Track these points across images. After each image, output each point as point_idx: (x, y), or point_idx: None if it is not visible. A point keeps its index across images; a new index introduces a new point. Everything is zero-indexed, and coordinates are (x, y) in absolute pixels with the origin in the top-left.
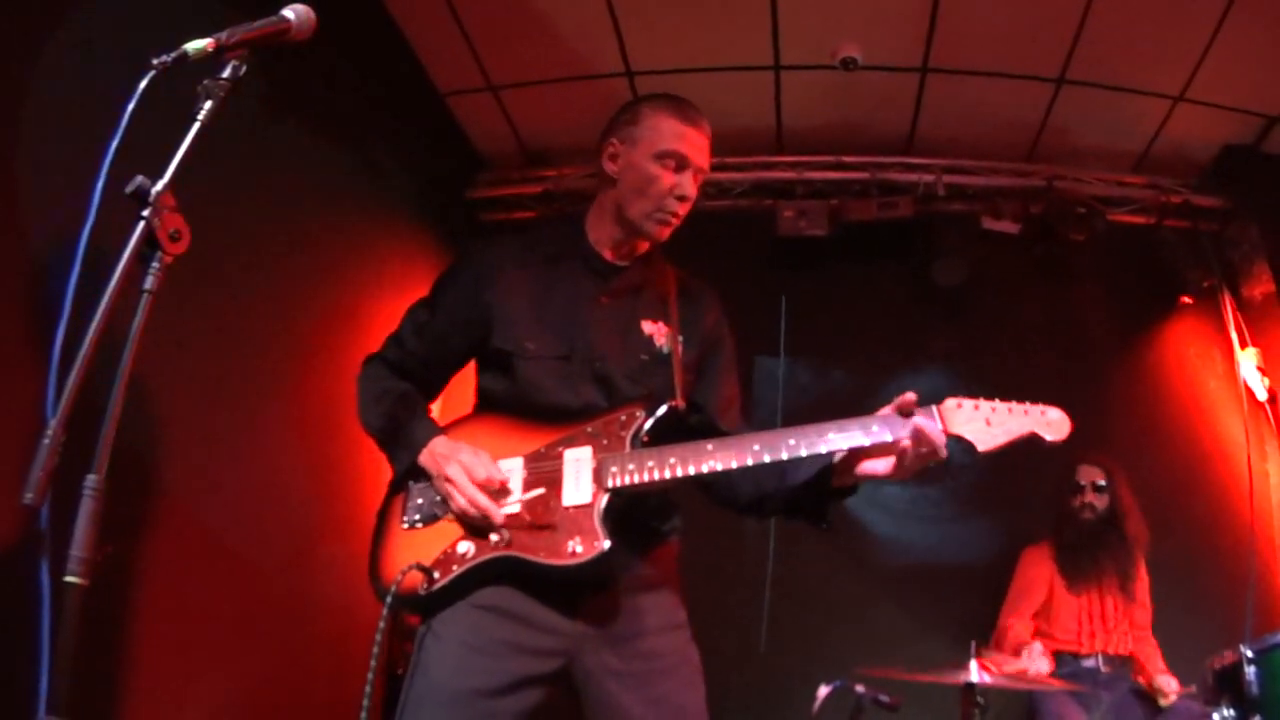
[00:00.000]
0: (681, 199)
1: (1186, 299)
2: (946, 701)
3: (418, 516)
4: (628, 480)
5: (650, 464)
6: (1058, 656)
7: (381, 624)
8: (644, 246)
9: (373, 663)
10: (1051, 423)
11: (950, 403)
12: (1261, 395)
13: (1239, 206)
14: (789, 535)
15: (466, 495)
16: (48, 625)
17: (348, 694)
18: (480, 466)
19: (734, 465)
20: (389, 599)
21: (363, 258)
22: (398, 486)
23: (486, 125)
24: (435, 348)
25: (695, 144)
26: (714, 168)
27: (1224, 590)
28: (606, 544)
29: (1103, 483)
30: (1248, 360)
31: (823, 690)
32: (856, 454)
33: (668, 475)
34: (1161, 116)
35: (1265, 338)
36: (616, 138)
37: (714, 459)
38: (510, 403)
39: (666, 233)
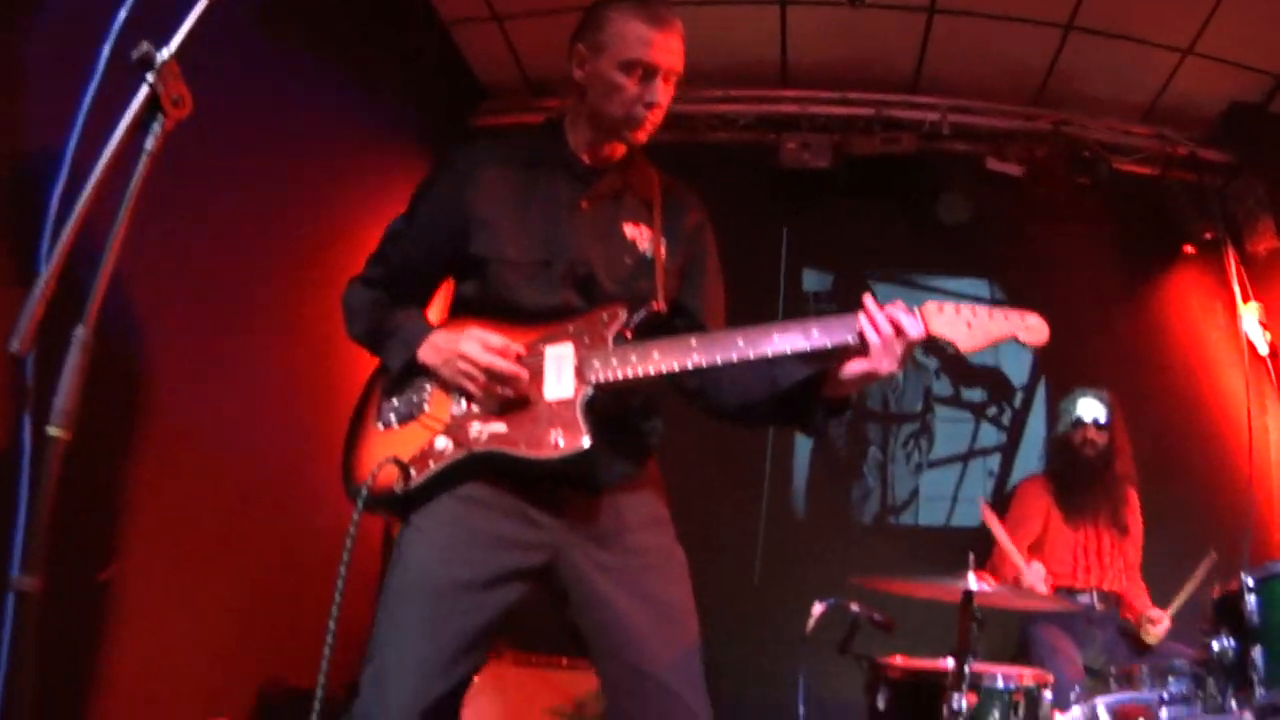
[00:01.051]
0: (651, 105)
1: (1189, 249)
2: (941, 625)
3: (393, 417)
4: (610, 375)
5: (633, 359)
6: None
7: (355, 519)
8: (622, 150)
9: (343, 567)
10: (1030, 327)
11: (931, 305)
12: (1263, 349)
13: (1245, 163)
14: (784, 465)
15: (484, 362)
16: (26, 479)
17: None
18: (493, 336)
19: (718, 360)
20: (362, 493)
21: (362, 181)
22: (371, 390)
23: (490, 54)
24: (414, 256)
25: (664, 48)
26: (717, 100)
27: (1220, 540)
28: (588, 438)
29: (1104, 420)
30: (1249, 314)
31: (817, 608)
32: (838, 364)
33: (651, 371)
34: (1170, 69)
35: (1268, 293)
36: (583, 44)
37: (697, 354)
38: (489, 308)
39: (642, 136)
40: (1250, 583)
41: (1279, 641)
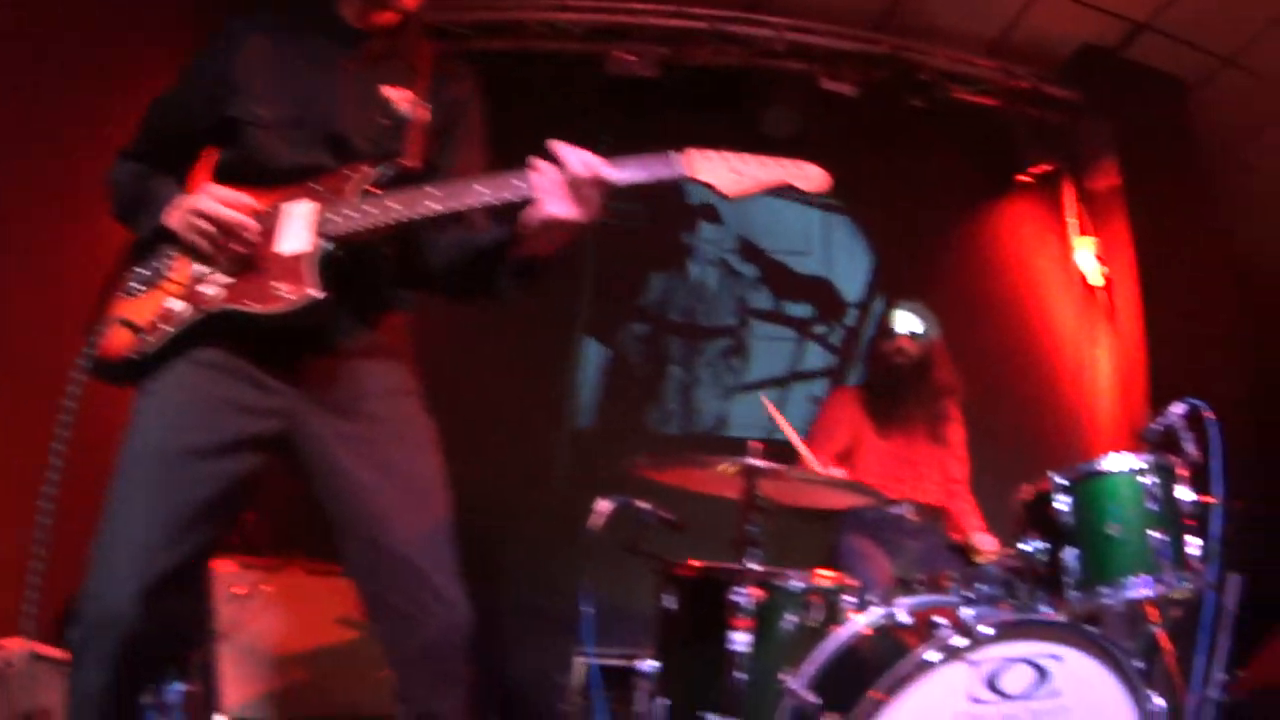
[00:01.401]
0: None
1: (1024, 178)
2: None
3: (136, 284)
4: (347, 228)
5: (371, 210)
6: None
7: (74, 389)
8: (394, 18)
9: (58, 444)
10: (810, 176)
11: (697, 152)
12: (1098, 282)
13: (1091, 103)
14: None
15: (211, 211)
16: None
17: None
18: (228, 191)
19: (456, 207)
20: (88, 353)
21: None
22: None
23: None
24: (175, 123)
25: None
26: (550, 8)
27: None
28: (315, 290)
29: (919, 331)
30: (1085, 247)
31: (603, 505)
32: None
33: (388, 220)
34: (1021, 5)
35: (1105, 230)
36: None
37: (433, 200)
38: (244, 172)
39: (410, 3)
40: (1063, 483)
41: (1092, 543)
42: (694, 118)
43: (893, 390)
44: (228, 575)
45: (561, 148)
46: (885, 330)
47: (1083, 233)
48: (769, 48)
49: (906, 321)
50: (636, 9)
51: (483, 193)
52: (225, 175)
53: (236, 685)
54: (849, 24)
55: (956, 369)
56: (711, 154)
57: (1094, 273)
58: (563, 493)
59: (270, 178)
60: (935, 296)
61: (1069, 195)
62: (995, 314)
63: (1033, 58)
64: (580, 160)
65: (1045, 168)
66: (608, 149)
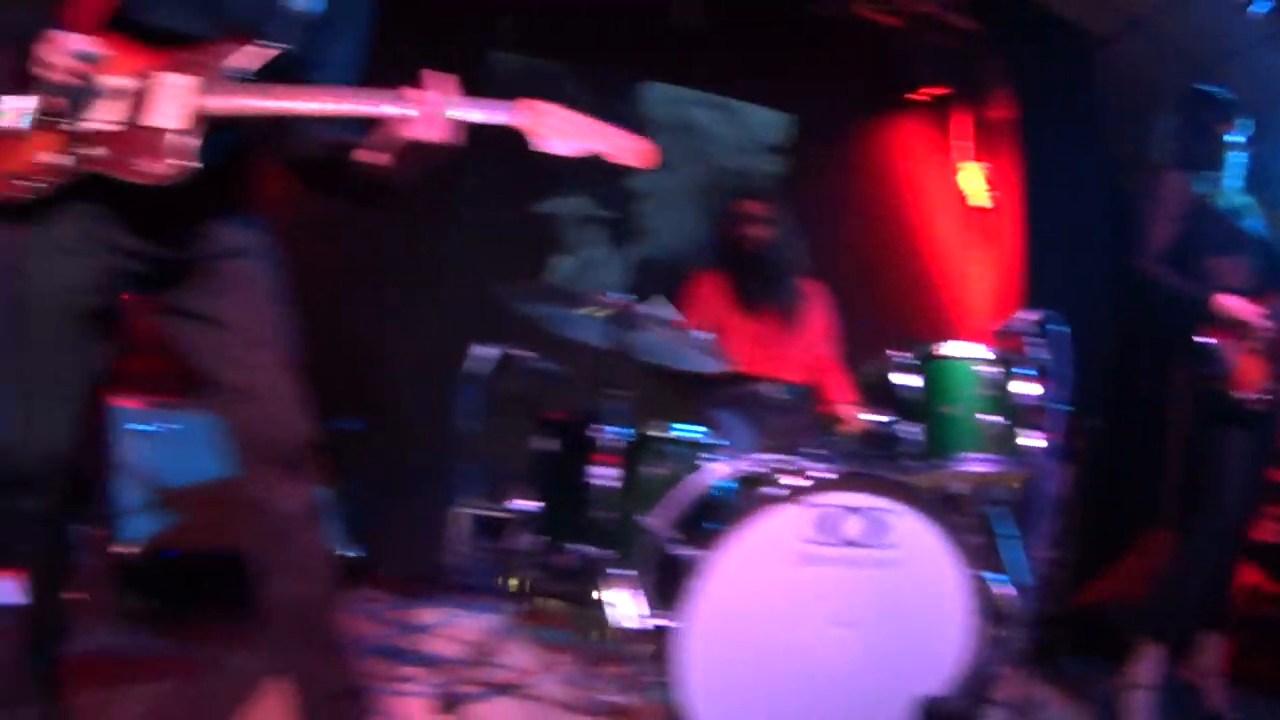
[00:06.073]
0: None
1: (917, 97)
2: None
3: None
4: (222, 107)
5: (246, 98)
6: (731, 377)
7: None
8: None
9: None
10: (632, 150)
11: (530, 104)
12: (986, 203)
13: (990, 35)
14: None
15: (57, 60)
16: None
17: None
18: (72, 39)
19: (329, 111)
20: None
21: None
22: None
23: None
24: None
25: None
26: None
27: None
28: (188, 164)
29: (764, 215)
30: (974, 170)
31: (482, 351)
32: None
33: (260, 110)
34: None
35: (997, 157)
36: None
37: (308, 99)
38: (119, 27)
39: None
40: (905, 362)
41: (931, 420)
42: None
43: (750, 273)
44: (132, 412)
45: (430, 77)
46: (731, 216)
47: (976, 158)
48: None
49: (751, 208)
50: None
51: (359, 103)
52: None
53: (134, 520)
54: None
55: (835, 258)
56: (544, 108)
57: (980, 194)
58: (443, 340)
59: (148, 38)
60: (818, 195)
61: (960, 120)
62: (879, 217)
63: None
64: (442, 93)
65: (939, 90)
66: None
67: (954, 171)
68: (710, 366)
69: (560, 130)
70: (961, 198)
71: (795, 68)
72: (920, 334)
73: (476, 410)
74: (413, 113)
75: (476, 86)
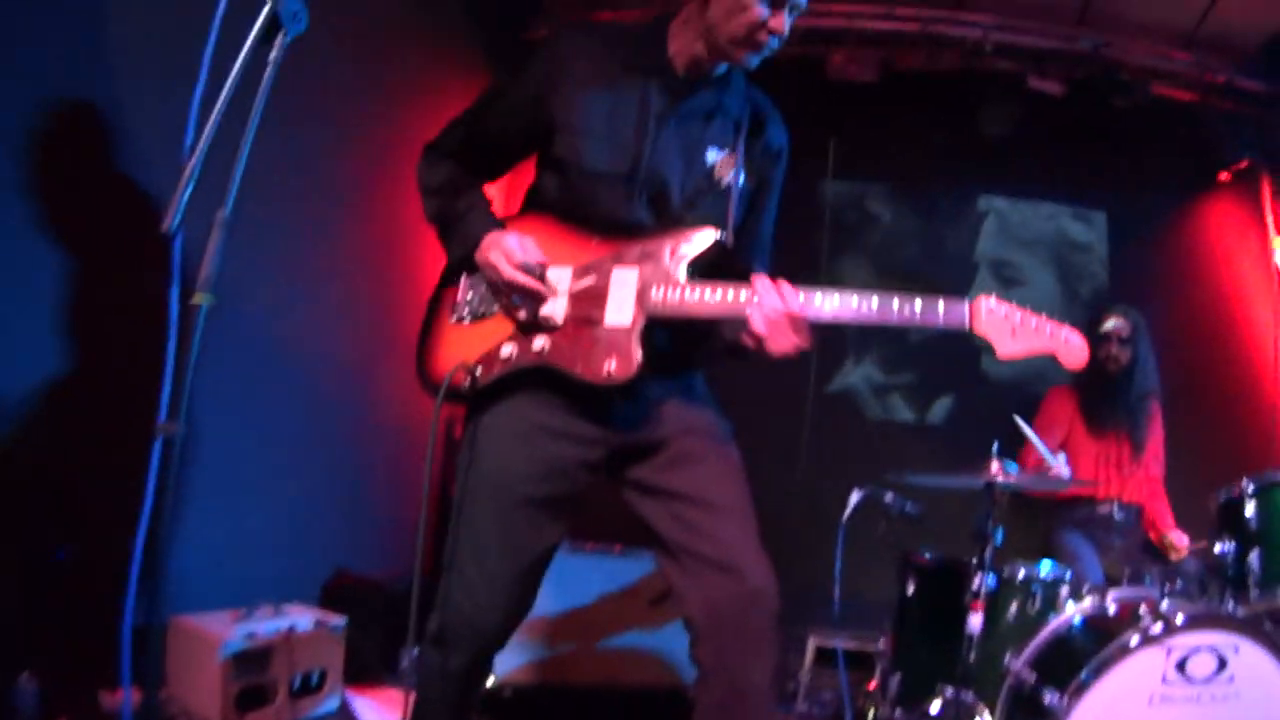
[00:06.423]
0: (775, 33)
1: (1225, 176)
2: (968, 523)
3: (467, 312)
4: (668, 310)
5: (691, 295)
6: (1074, 499)
7: (436, 415)
8: (723, 66)
9: (428, 463)
10: (1072, 348)
11: (986, 302)
12: None
13: None
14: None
15: (506, 276)
16: (173, 343)
17: (405, 509)
18: (519, 251)
19: (766, 315)
20: (441, 393)
21: (421, 90)
22: (449, 278)
23: None
24: (493, 135)
25: None
26: None
27: (1244, 463)
28: (638, 367)
29: (1126, 336)
30: None
31: (855, 496)
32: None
33: (704, 313)
34: None
35: None
36: None
37: (749, 308)
38: (562, 208)
39: (755, 61)
40: (1250, 488)
41: (1273, 546)
42: (910, 119)
43: (1104, 394)
44: None
45: (782, 289)
46: (1097, 333)
47: (1279, 230)
48: (978, 48)
49: (1116, 327)
50: (849, 12)
51: (726, 305)
52: (544, 206)
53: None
54: (1051, 20)
55: (1159, 368)
56: (1000, 307)
57: None
58: (806, 481)
59: (592, 225)
60: (1141, 295)
61: (1266, 190)
62: (1196, 313)
63: (1226, 50)
64: (785, 299)
65: (1243, 164)
66: (836, 155)
67: (1267, 250)
68: (1061, 487)
69: (1013, 331)
70: (1278, 278)
71: (1100, 162)
72: (1247, 442)
73: (852, 553)
74: (762, 317)
75: (812, 216)
